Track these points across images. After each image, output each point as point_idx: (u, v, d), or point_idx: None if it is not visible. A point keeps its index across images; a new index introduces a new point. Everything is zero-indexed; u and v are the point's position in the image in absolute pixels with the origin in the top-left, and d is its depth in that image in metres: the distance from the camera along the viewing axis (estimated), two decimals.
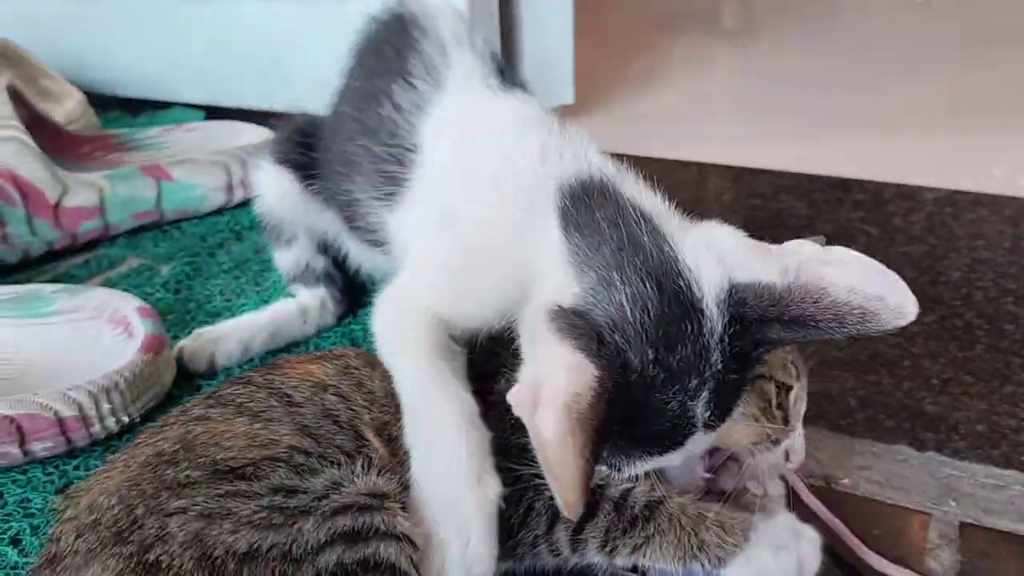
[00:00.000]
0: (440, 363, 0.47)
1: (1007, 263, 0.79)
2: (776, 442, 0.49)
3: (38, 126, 0.89)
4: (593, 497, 0.44)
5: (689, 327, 0.41)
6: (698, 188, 0.97)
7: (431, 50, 0.56)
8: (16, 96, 0.87)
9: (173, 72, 1.25)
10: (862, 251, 0.42)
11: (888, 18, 1.79)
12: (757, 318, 0.42)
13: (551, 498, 0.43)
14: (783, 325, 0.42)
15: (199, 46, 1.21)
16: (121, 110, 1.23)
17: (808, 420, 0.51)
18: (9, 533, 0.52)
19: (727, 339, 0.41)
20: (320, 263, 0.70)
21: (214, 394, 0.48)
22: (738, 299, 0.42)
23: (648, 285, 0.41)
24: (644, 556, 0.44)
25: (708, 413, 0.42)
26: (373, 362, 0.50)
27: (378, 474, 0.43)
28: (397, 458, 0.45)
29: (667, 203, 0.47)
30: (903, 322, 0.40)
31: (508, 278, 0.47)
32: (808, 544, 0.44)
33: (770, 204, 0.92)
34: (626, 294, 0.41)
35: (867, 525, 0.51)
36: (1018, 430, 0.59)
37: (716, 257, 0.43)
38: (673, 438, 0.42)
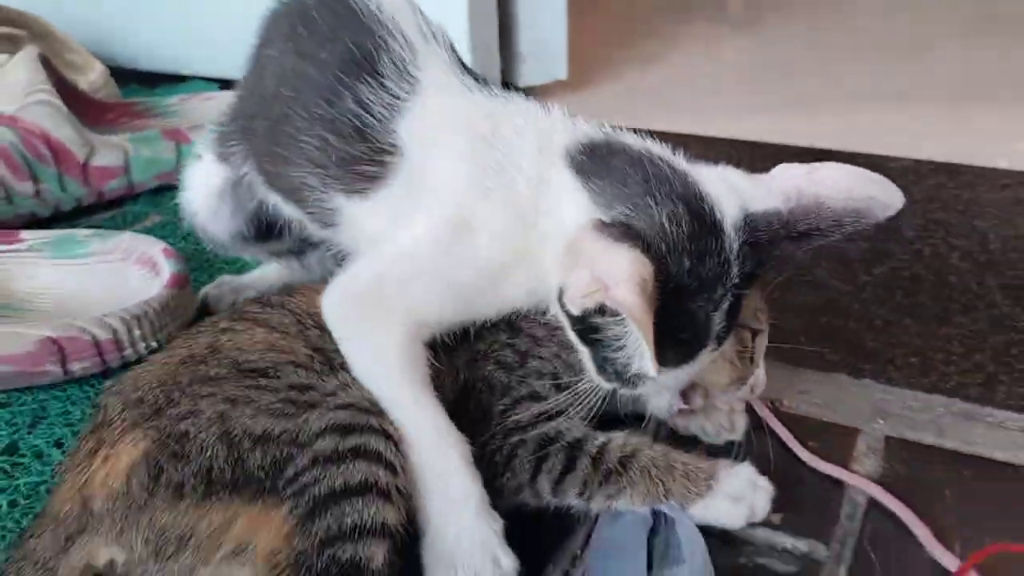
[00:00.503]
0: (431, 397, 0.50)
1: (958, 224, 0.85)
2: (744, 381, 0.56)
3: (66, 93, 0.96)
4: (572, 452, 0.51)
5: (714, 244, 0.47)
6: (697, 158, 1.04)
7: (398, 48, 0.55)
8: (46, 64, 0.94)
9: (188, 47, 1.32)
10: None
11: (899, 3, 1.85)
12: (769, 240, 0.49)
13: (535, 451, 0.51)
14: (792, 240, 0.49)
15: (213, 22, 1.28)
16: (139, 83, 1.30)
17: None
18: (53, 437, 0.60)
19: (742, 258, 0.48)
20: (282, 246, 0.69)
21: (237, 311, 0.55)
22: (752, 225, 0.48)
23: (679, 206, 0.47)
24: (616, 503, 0.51)
25: (721, 325, 0.49)
26: None
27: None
28: None
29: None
30: (893, 212, 0.49)
31: (522, 284, 0.52)
32: (762, 495, 0.51)
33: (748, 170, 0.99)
34: (662, 212, 0.47)
35: (804, 439, 0.58)
36: (947, 363, 0.66)
37: (729, 188, 0.50)
38: (692, 348, 0.49)
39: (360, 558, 0.43)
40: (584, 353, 0.51)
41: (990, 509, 0.53)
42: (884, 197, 0.48)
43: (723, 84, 1.38)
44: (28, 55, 0.92)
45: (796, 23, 1.75)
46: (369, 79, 0.54)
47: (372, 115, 0.53)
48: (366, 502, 0.44)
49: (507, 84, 1.21)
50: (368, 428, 0.47)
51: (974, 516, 0.52)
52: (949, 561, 0.49)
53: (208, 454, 0.45)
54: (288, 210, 0.62)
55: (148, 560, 0.44)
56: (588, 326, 0.49)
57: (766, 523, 0.52)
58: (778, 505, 0.51)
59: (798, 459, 0.57)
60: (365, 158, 0.53)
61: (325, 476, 0.45)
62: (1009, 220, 0.86)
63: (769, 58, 1.53)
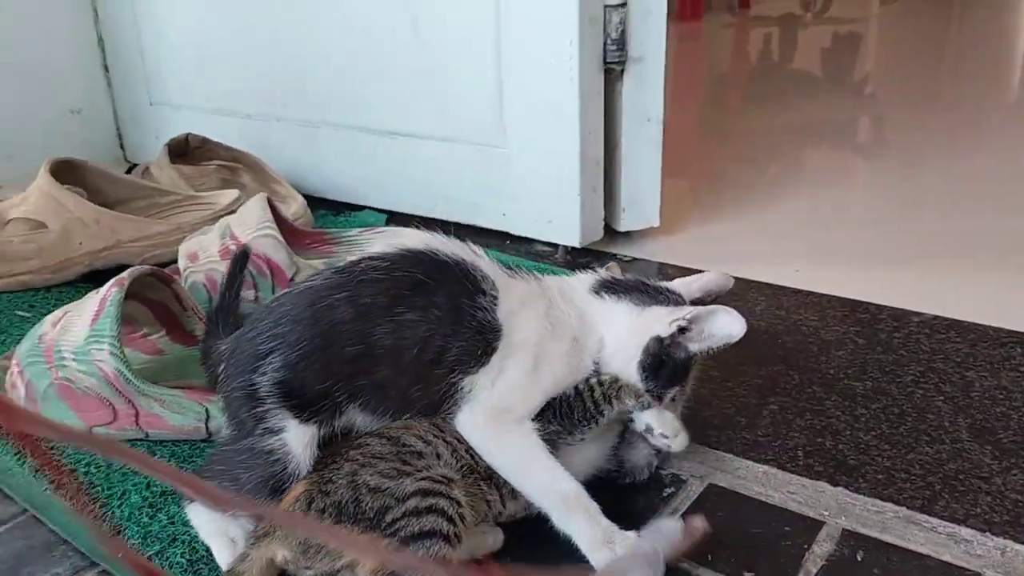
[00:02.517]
0: (551, 459, 0.80)
1: (952, 373, 1.07)
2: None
3: (279, 223, 1.31)
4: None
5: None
6: (739, 299, 1.30)
7: (487, 275, 0.84)
8: (270, 204, 1.30)
9: (365, 185, 1.69)
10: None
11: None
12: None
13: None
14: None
15: (385, 167, 1.65)
16: (326, 209, 1.67)
17: None
18: None
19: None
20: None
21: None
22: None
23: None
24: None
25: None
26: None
27: (448, 468, 0.79)
28: (460, 464, 0.80)
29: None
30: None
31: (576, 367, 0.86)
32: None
33: (790, 315, 1.24)
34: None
35: (782, 525, 0.83)
36: (905, 480, 0.88)
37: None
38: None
39: None
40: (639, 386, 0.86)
41: None
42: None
43: (777, 235, 1.62)
44: (261, 199, 1.27)
45: (901, 169, 1.98)
46: (479, 294, 0.82)
47: (486, 314, 0.82)
48: (433, 543, 0.71)
49: (608, 228, 1.51)
50: (440, 494, 0.75)
51: None
52: None
53: (340, 492, 0.75)
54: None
55: (300, 557, 0.74)
56: (657, 361, 0.85)
57: None
58: (750, 564, 0.76)
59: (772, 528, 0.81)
60: (488, 342, 0.82)
61: (409, 525, 0.72)
62: (995, 373, 1.07)
63: (843, 211, 1.77)
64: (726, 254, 1.47)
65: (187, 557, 0.80)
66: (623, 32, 1.37)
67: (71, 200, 1.39)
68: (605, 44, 1.37)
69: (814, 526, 0.83)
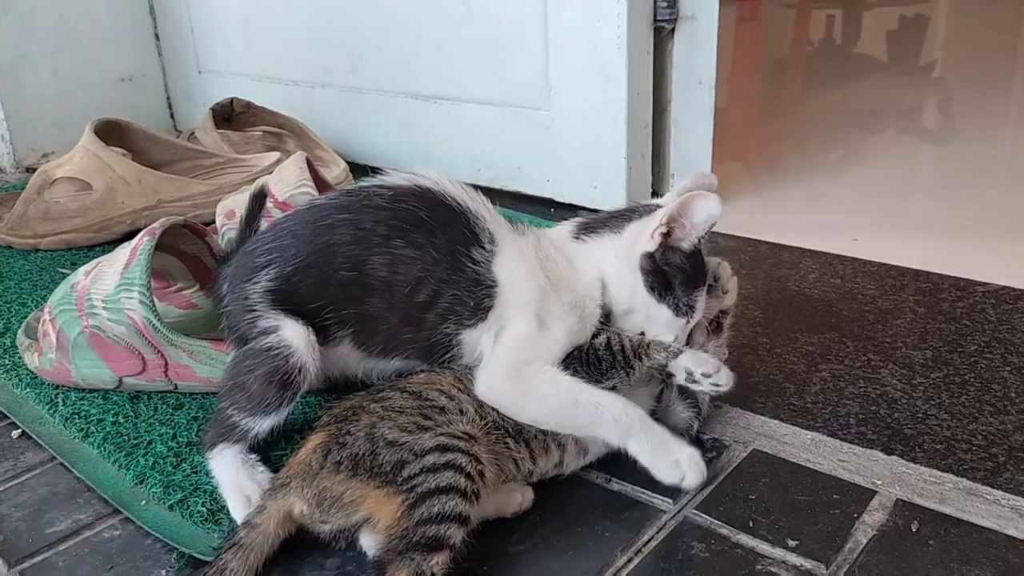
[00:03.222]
0: (591, 388, 0.77)
1: (1021, 344, 1.00)
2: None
3: (319, 185, 1.29)
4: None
5: None
6: (792, 267, 1.24)
7: (489, 227, 0.82)
8: (309, 165, 1.28)
9: (408, 150, 1.67)
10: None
11: None
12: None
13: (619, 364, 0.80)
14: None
15: (429, 132, 1.62)
16: (368, 175, 1.65)
17: None
18: (297, 428, 0.88)
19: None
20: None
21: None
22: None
23: None
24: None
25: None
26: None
27: (472, 425, 0.75)
28: (485, 423, 0.77)
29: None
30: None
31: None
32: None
33: (846, 283, 1.17)
34: None
35: (831, 493, 0.77)
36: (966, 451, 0.82)
37: None
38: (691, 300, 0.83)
39: (442, 535, 0.66)
40: (663, 308, 0.83)
41: (966, 562, 0.70)
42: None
43: (835, 203, 1.55)
44: (299, 158, 1.25)
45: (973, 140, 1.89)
46: (477, 247, 0.80)
47: (482, 267, 0.79)
48: (450, 498, 0.68)
49: (656, 196, 1.45)
50: (459, 450, 0.71)
51: (954, 561, 0.69)
52: None
53: (357, 445, 0.72)
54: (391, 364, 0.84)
55: (315, 510, 0.71)
56: (661, 275, 0.81)
57: (785, 546, 0.71)
58: (795, 532, 0.72)
59: (828, 498, 0.76)
60: (483, 297, 0.80)
61: (427, 480, 0.69)
62: None
63: (914, 179, 1.69)
64: (779, 223, 1.41)
65: (208, 507, 0.78)
66: None
67: (115, 160, 1.39)
68: (656, 1, 1.32)
69: (865, 495, 0.77)
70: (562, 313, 0.81)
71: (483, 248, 0.81)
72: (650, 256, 0.82)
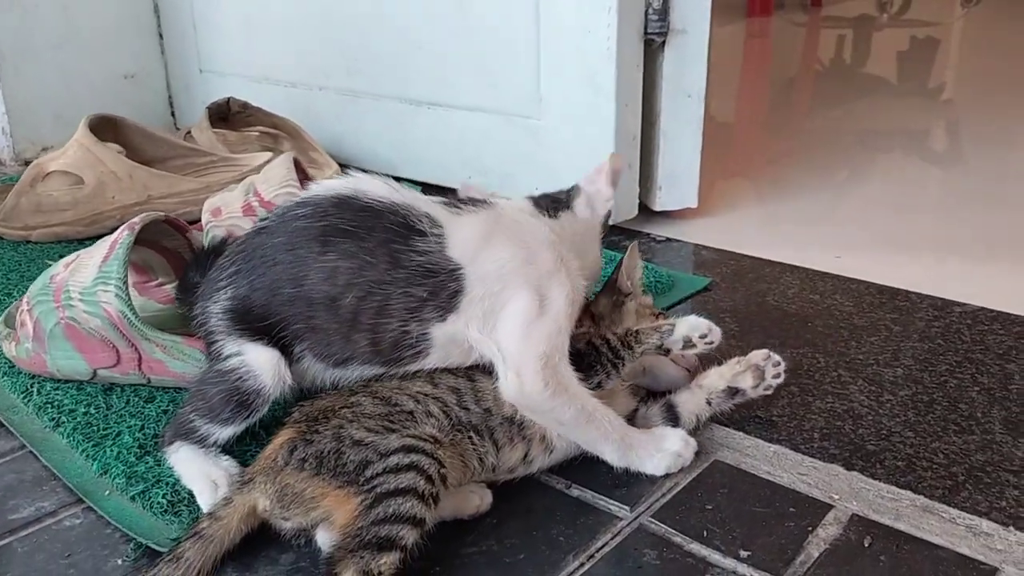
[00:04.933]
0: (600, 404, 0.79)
1: (992, 364, 1.00)
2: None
3: (305, 186, 1.30)
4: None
5: None
6: (772, 281, 1.24)
7: (412, 208, 0.79)
8: (297, 166, 1.29)
9: (401, 155, 1.68)
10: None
11: None
12: None
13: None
14: None
15: (422, 137, 1.63)
16: None
17: None
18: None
19: None
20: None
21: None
22: None
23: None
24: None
25: None
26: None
27: (437, 428, 0.76)
28: (451, 422, 0.77)
29: None
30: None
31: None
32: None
33: (824, 299, 1.18)
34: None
35: (787, 505, 0.78)
36: (926, 469, 0.82)
37: None
38: None
39: (394, 536, 0.67)
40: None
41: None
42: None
43: (813, 221, 1.55)
44: (286, 158, 1.26)
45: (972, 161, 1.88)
46: (416, 236, 0.78)
47: (431, 256, 0.77)
48: (407, 500, 0.68)
49: (643, 206, 1.46)
50: (423, 452, 0.72)
51: None
52: None
53: (323, 443, 0.73)
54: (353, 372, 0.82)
55: (276, 506, 0.72)
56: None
57: (736, 556, 0.72)
58: (748, 542, 0.72)
59: (777, 510, 0.76)
60: (442, 285, 0.77)
61: (387, 481, 0.70)
62: None
63: (908, 198, 1.69)
64: (765, 238, 1.41)
65: (168, 498, 0.78)
66: (665, 2, 1.32)
67: (107, 155, 1.40)
68: (647, 13, 1.33)
69: (821, 509, 0.78)
70: (556, 276, 0.80)
71: (424, 235, 0.78)
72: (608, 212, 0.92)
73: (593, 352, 0.82)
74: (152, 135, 1.52)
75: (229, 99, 1.66)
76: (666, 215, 1.47)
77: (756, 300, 1.18)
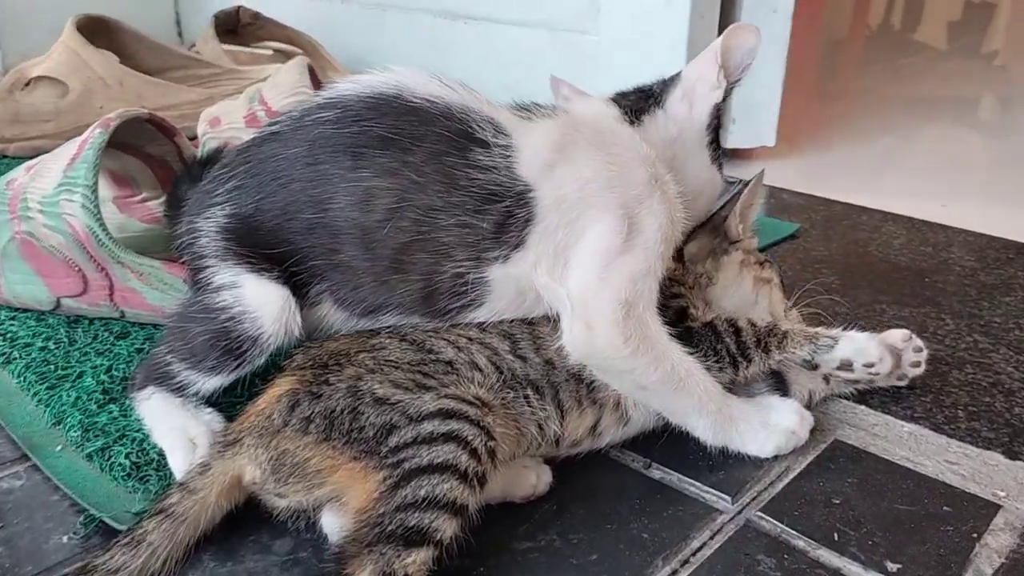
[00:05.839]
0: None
1: None
2: None
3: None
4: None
5: None
6: (872, 230, 1.05)
7: (488, 118, 0.61)
8: (311, 72, 1.10)
9: None
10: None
11: None
12: None
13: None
14: None
15: (457, 56, 1.43)
16: None
17: None
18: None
19: None
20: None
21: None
22: None
23: None
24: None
25: None
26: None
27: (485, 388, 0.57)
28: (502, 377, 0.59)
29: None
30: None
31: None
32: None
33: (939, 253, 0.98)
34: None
35: (941, 505, 0.59)
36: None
37: None
38: None
39: (426, 527, 0.49)
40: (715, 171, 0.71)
41: None
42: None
43: (919, 168, 1.36)
44: (300, 63, 1.07)
45: None
46: (476, 147, 0.59)
47: (496, 173, 0.59)
48: (445, 480, 0.50)
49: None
50: (467, 418, 0.54)
51: None
52: None
53: (335, 399, 0.55)
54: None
55: (269, 478, 0.54)
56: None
57: (883, 570, 0.53)
58: (895, 552, 0.53)
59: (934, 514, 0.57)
60: (509, 212, 0.59)
61: (419, 454, 0.52)
62: None
63: (989, 151, 1.48)
64: (854, 183, 1.22)
65: (133, 459, 0.61)
66: None
67: (95, 58, 1.21)
68: None
69: (986, 509, 0.59)
70: (647, 200, 0.61)
71: (488, 147, 0.60)
72: (717, 108, 0.69)
73: (711, 336, 0.63)
74: (149, 42, 1.34)
75: (239, 8, 1.47)
76: (738, 153, 1.28)
77: (856, 251, 0.99)
